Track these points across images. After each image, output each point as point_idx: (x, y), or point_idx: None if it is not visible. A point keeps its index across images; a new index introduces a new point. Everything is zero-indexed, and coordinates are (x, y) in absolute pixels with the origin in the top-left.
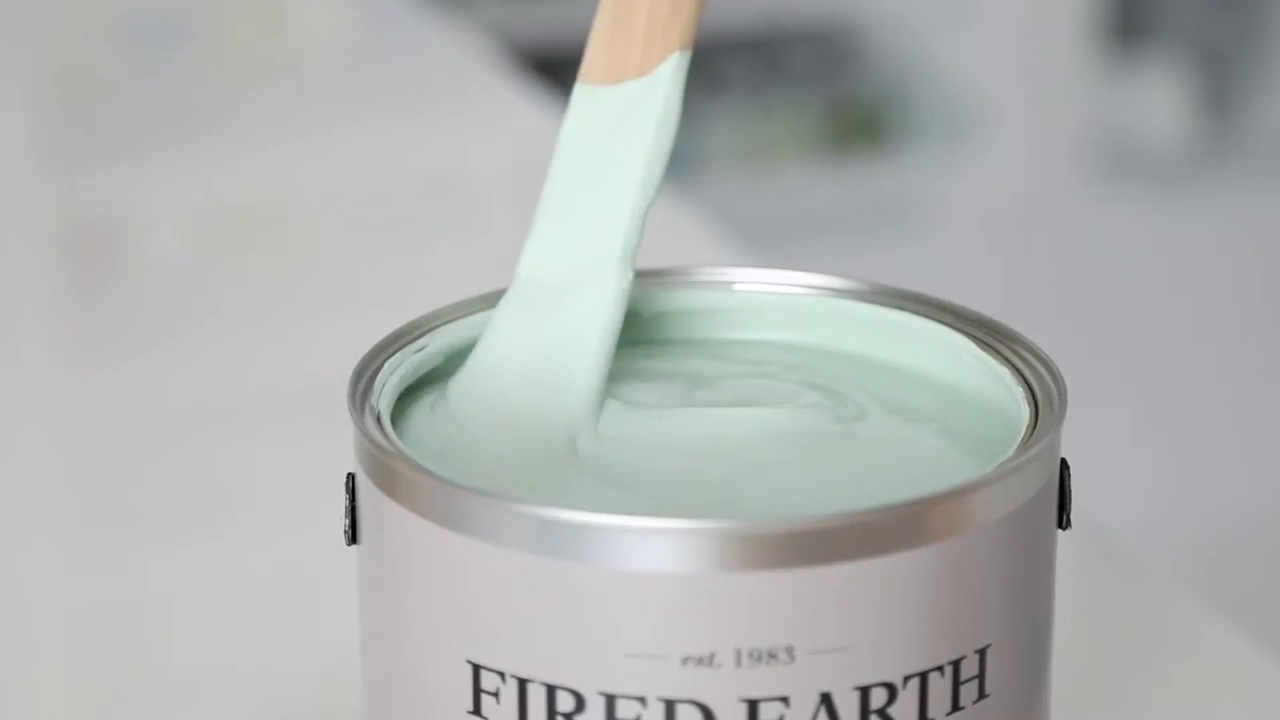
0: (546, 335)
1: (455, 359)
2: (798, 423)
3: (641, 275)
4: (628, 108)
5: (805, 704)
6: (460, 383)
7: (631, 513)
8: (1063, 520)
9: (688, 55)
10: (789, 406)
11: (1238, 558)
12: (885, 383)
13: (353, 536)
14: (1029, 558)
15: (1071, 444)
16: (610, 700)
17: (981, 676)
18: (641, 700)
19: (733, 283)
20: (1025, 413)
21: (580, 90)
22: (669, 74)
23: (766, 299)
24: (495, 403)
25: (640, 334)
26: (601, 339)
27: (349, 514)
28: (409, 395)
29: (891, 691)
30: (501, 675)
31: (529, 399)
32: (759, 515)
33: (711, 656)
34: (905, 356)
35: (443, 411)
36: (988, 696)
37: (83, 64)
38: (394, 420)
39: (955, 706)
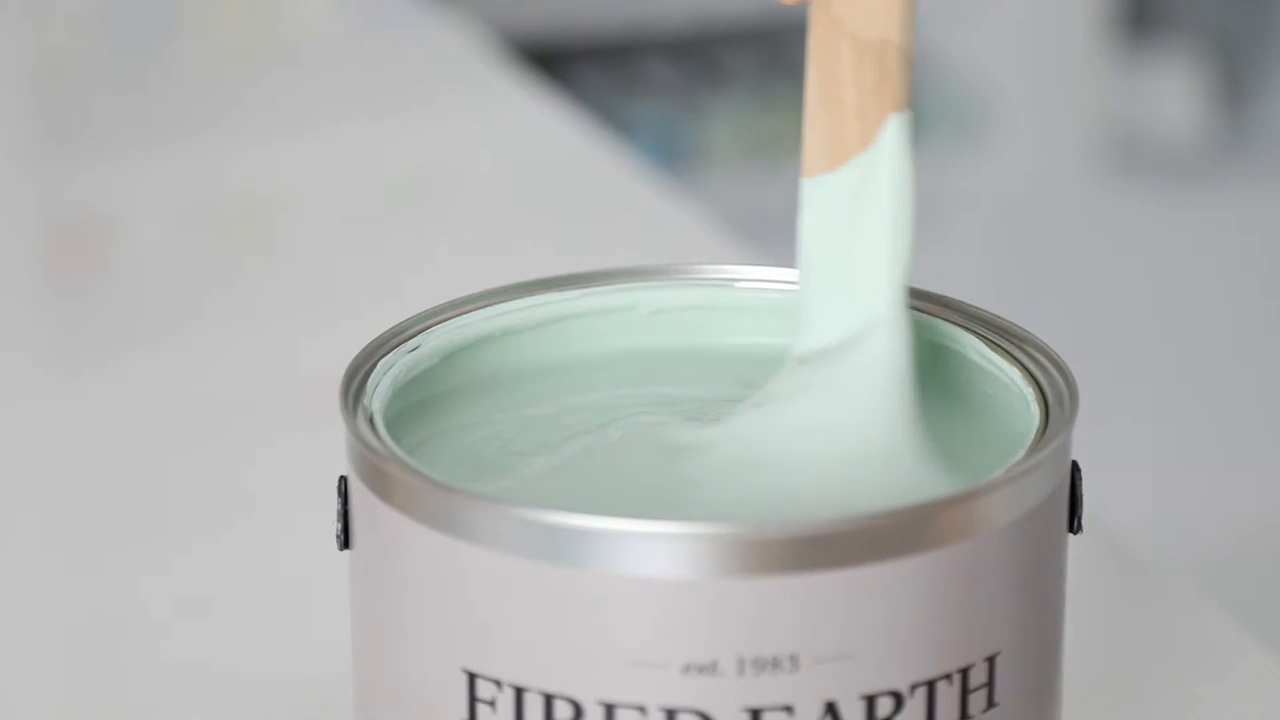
0: (830, 391)
1: (450, 359)
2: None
3: (642, 273)
4: (859, 185)
5: (810, 713)
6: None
7: (630, 516)
8: (1074, 524)
9: (907, 116)
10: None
11: (1252, 562)
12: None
13: (345, 541)
14: (1039, 563)
15: (1083, 446)
16: (609, 709)
17: (990, 684)
18: (642, 710)
19: (735, 280)
20: (1035, 414)
21: (808, 185)
22: (891, 138)
23: (769, 297)
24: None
25: (640, 333)
26: (893, 382)
27: (341, 518)
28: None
29: (898, 700)
30: (497, 683)
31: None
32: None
33: (713, 664)
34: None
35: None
36: (997, 705)
37: (67, 57)
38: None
39: (964, 715)
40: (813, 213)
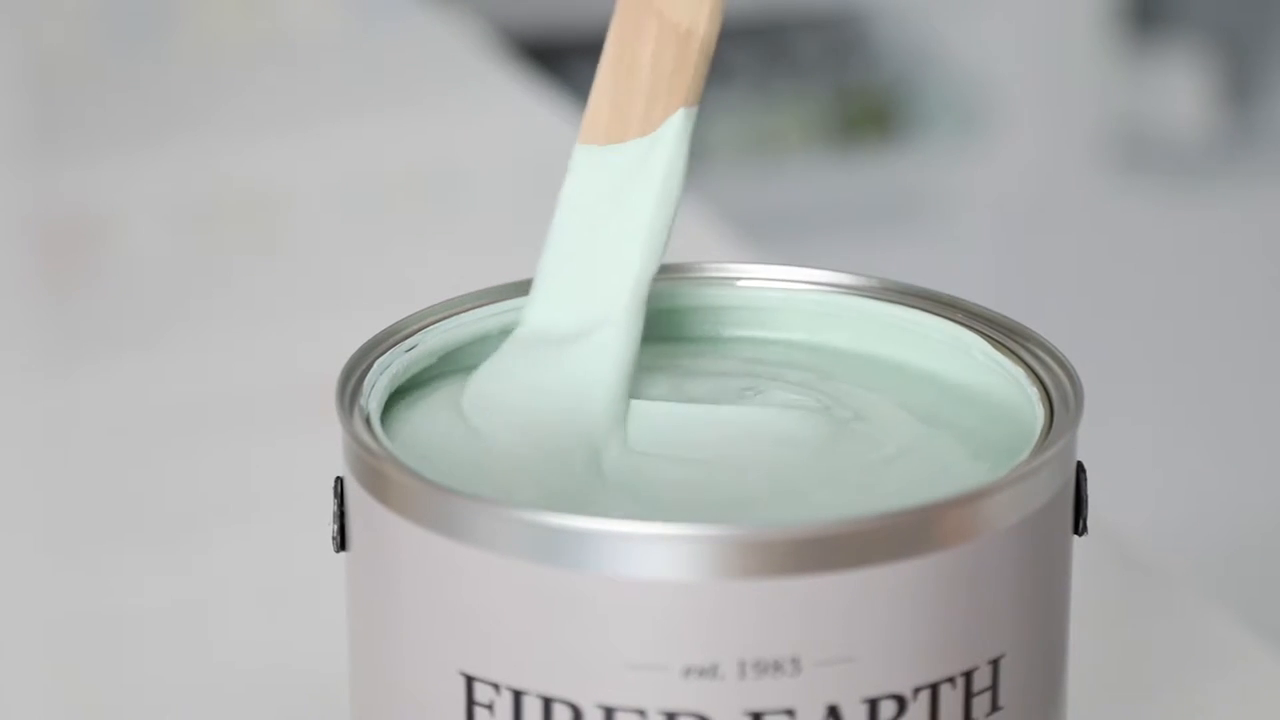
0: (558, 375)
1: (447, 359)
2: (811, 428)
3: None
4: (631, 167)
5: (811, 716)
6: (473, 392)
7: (631, 518)
8: (1079, 526)
9: (694, 112)
10: (800, 410)
11: (1260, 563)
12: (895, 382)
13: (341, 543)
14: (1044, 565)
15: (1088, 446)
16: (609, 713)
17: (995, 688)
18: (642, 713)
19: (736, 279)
20: (1040, 414)
21: (580, 151)
22: (673, 131)
23: (771, 296)
24: (513, 416)
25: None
26: (617, 380)
27: (337, 519)
28: (405, 396)
29: (901, 704)
30: (496, 687)
31: (549, 411)
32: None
33: (714, 667)
34: (915, 355)
35: (455, 419)
36: (1001, 709)
37: (60, 52)
38: (393, 424)
39: (968, 719)
40: (576, 181)
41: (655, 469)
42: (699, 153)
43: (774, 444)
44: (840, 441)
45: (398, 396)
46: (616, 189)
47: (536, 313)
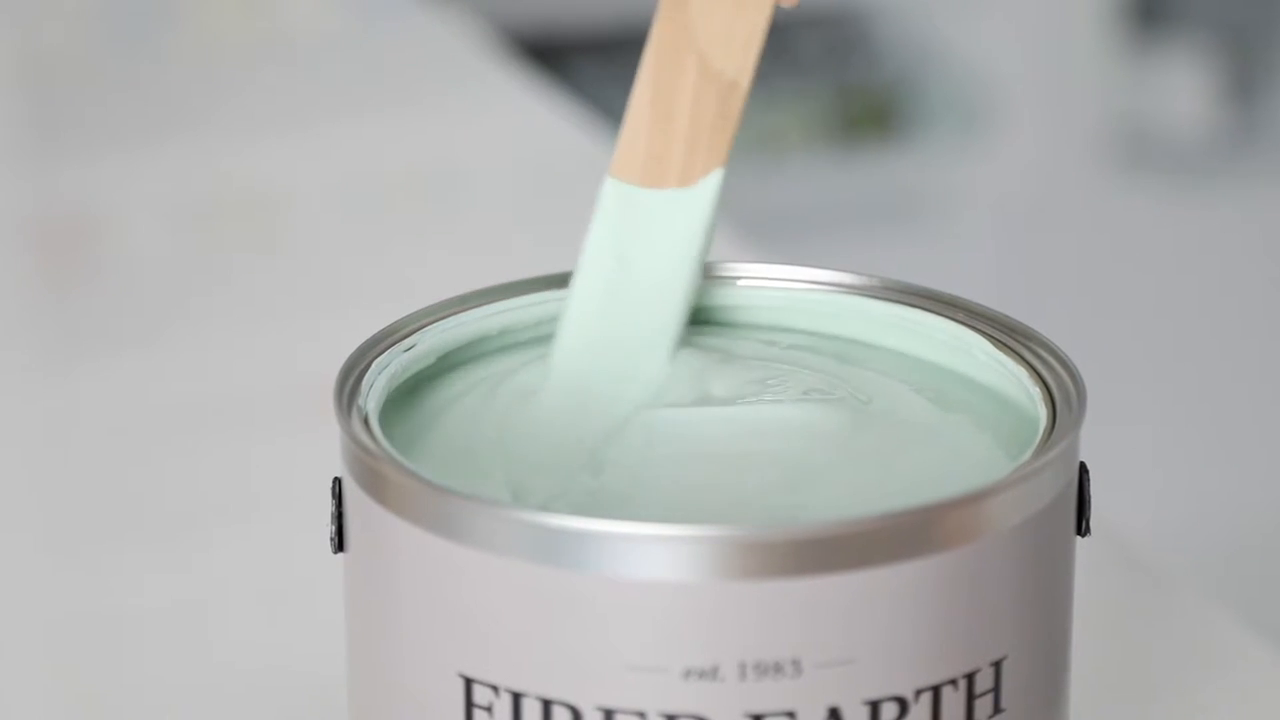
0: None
1: (446, 359)
2: (818, 424)
3: None
4: (663, 214)
5: (812, 718)
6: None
7: (631, 519)
8: (1082, 526)
9: (724, 172)
10: (805, 407)
11: (1263, 564)
12: (907, 370)
13: (339, 544)
14: (1046, 565)
15: (1091, 447)
16: (609, 715)
17: (997, 690)
18: (641, 715)
19: (737, 278)
20: (1042, 414)
21: (613, 185)
22: (711, 191)
23: (772, 295)
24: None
25: None
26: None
27: (335, 520)
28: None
29: (903, 706)
30: (495, 689)
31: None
32: (768, 522)
33: (714, 669)
34: (917, 355)
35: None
36: (1003, 711)
37: (59, 51)
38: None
39: None
40: (608, 217)
41: (658, 465)
42: None
43: (796, 436)
44: (861, 428)
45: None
46: (649, 232)
47: (565, 355)
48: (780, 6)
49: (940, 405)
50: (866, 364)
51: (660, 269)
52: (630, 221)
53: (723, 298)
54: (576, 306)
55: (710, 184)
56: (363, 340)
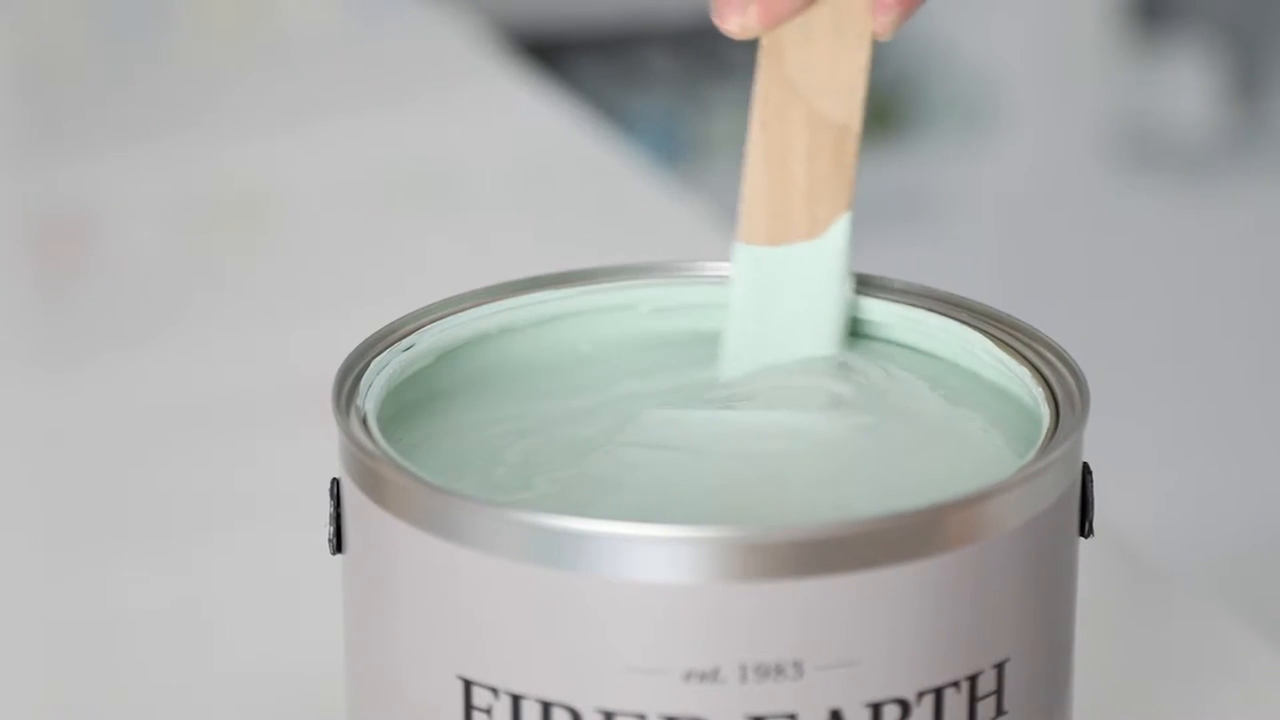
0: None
1: (445, 359)
2: (811, 424)
3: (640, 270)
4: (797, 268)
5: None
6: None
7: (631, 520)
8: (1084, 527)
9: (850, 215)
10: (801, 408)
11: (1266, 565)
12: (896, 382)
13: (337, 545)
14: (1049, 567)
15: (1094, 447)
16: (609, 717)
17: (999, 692)
18: (642, 717)
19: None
20: (1045, 414)
21: (743, 251)
22: (841, 238)
23: None
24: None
25: (640, 332)
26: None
27: (333, 521)
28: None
29: (905, 708)
30: (494, 691)
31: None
32: (767, 523)
33: (715, 671)
34: (920, 354)
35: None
36: (1006, 713)
37: (56, 48)
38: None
39: None
40: (744, 282)
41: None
42: (699, 149)
43: (775, 441)
44: (846, 441)
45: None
46: (786, 288)
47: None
48: (877, 41)
49: (951, 400)
50: (878, 354)
51: (803, 322)
52: (766, 282)
53: (723, 297)
54: (726, 364)
55: (839, 230)
56: (361, 340)
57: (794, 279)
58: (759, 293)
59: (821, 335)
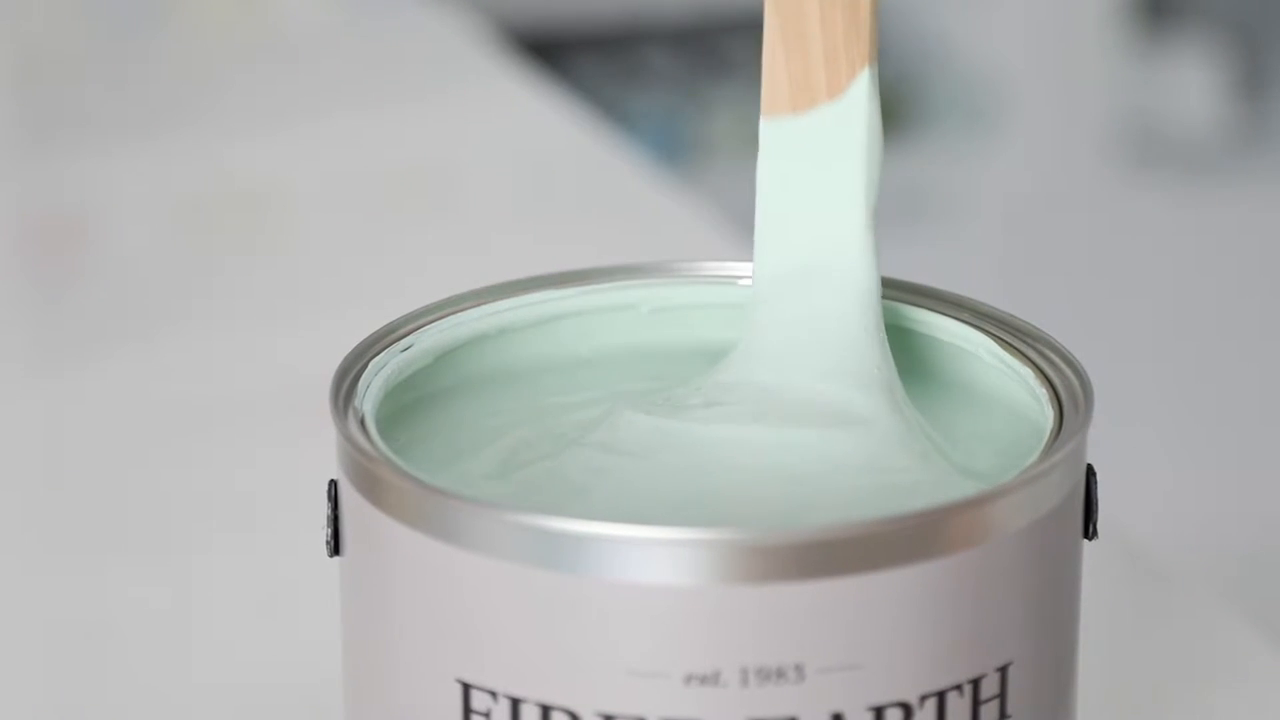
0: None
1: (443, 359)
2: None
3: (640, 271)
4: (825, 130)
5: None
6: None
7: (632, 521)
8: (1089, 530)
9: (875, 70)
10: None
11: (1272, 568)
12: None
13: (335, 547)
14: (1053, 570)
15: (1098, 449)
16: None
17: (1003, 696)
18: None
19: (738, 278)
20: (1049, 415)
21: (768, 125)
22: (863, 90)
23: None
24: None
25: (641, 332)
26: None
27: (331, 523)
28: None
29: (907, 712)
30: (493, 695)
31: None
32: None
33: (716, 675)
34: (922, 355)
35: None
36: (1009, 717)
37: (51, 45)
38: None
39: None
40: (771, 156)
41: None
42: (700, 148)
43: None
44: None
45: None
46: (814, 153)
47: (765, 272)
48: None
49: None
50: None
51: (836, 183)
52: (793, 151)
53: (725, 297)
54: (763, 237)
55: (861, 85)
56: (359, 340)
57: (820, 143)
58: (786, 164)
59: (852, 197)
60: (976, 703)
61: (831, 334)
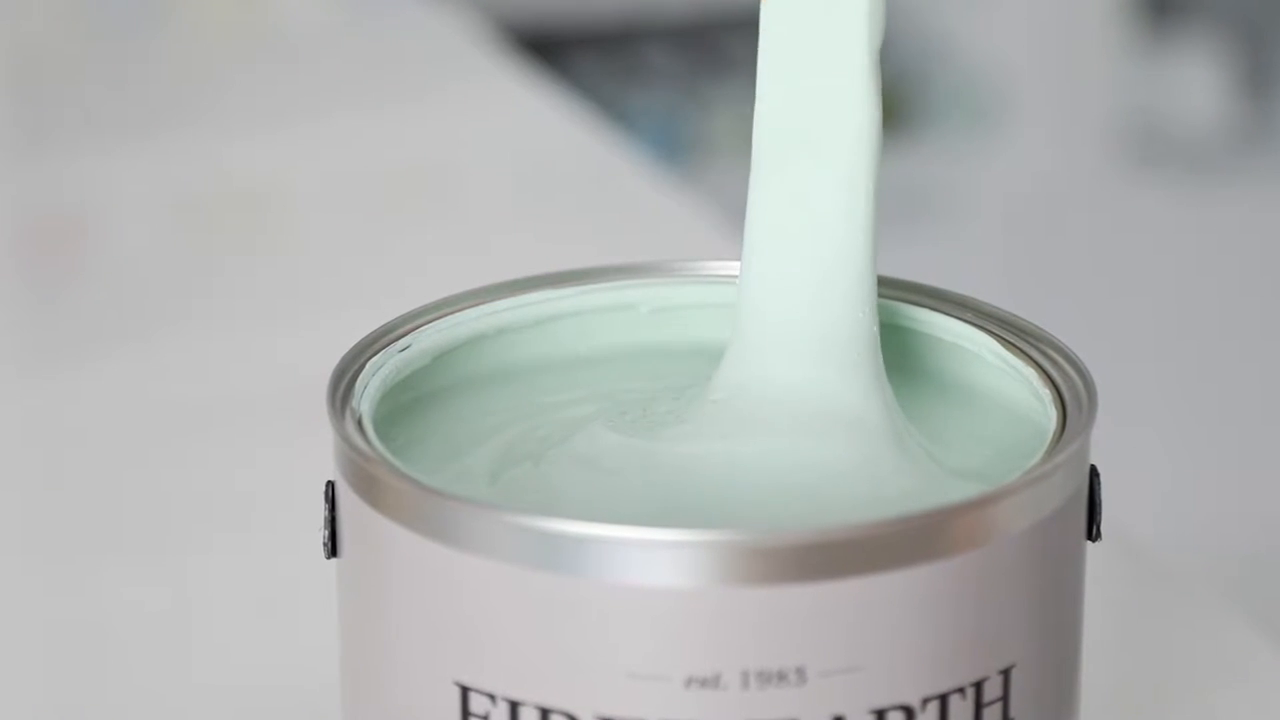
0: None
1: (441, 359)
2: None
3: (640, 270)
4: (823, 4)
5: None
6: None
7: (632, 523)
8: (1092, 531)
9: None
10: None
11: (1276, 568)
12: (900, 384)
13: (332, 549)
14: (1056, 571)
15: (1101, 449)
16: None
17: (1006, 698)
18: None
19: (738, 277)
20: (1052, 416)
21: (767, 7)
22: None
23: None
24: None
25: (641, 332)
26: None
27: (328, 524)
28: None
29: (909, 714)
30: (491, 697)
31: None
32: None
33: (717, 677)
34: (923, 355)
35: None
36: None
37: (49, 44)
38: None
39: None
40: (771, 38)
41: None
42: (700, 147)
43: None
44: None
45: None
46: (814, 27)
47: (768, 105)
48: None
49: (927, 423)
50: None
51: (832, 31)
52: (794, 30)
53: (725, 297)
54: (765, 76)
55: None
56: (357, 340)
57: (820, 14)
58: (789, 43)
59: (851, 38)
60: (979, 705)
61: (824, 325)
